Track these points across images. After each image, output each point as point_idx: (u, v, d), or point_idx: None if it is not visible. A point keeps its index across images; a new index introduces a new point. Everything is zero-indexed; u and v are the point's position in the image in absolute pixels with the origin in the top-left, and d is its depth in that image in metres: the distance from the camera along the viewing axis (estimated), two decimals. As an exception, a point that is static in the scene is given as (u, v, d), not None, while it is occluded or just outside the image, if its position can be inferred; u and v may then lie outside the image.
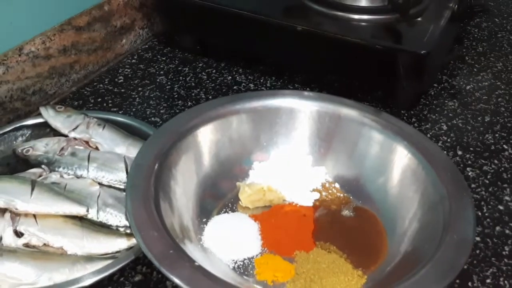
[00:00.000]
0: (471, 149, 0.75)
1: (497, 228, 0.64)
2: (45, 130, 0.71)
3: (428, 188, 0.59)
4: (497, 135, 0.78)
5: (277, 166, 0.69)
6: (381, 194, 0.64)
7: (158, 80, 0.88)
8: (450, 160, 0.63)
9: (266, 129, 0.70)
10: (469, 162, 0.73)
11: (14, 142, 0.70)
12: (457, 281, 0.57)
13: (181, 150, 0.63)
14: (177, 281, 0.47)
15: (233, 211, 0.64)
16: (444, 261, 0.50)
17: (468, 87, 0.87)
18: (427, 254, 0.53)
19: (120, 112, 0.80)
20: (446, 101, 0.84)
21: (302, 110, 0.70)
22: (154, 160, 0.60)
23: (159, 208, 0.55)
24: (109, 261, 0.55)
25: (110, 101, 0.83)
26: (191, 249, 0.55)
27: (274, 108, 0.70)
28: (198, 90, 0.86)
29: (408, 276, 0.50)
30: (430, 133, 0.77)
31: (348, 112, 0.69)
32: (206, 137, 0.66)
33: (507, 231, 0.64)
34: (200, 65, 0.92)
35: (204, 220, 0.62)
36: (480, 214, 0.65)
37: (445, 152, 0.73)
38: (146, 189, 0.56)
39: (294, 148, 0.70)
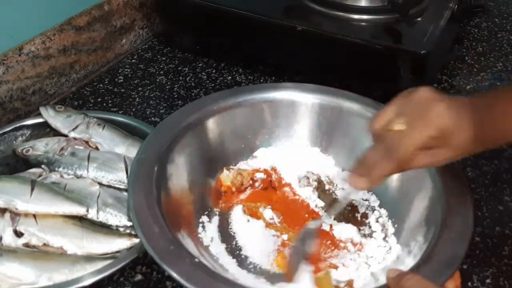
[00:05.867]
0: (471, 149, 0.75)
1: (497, 228, 0.64)
2: (45, 130, 0.71)
3: (428, 183, 0.59)
4: (497, 135, 0.78)
5: (279, 160, 0.69)
6: (382, 188, 0.64)
7: (158, 80, 0.88)
8: None
9: (268, 122, 0.70)
10: (469, 162, 0.73)
11: (14, 142, 0.70)
12: (457, 281, 0.57)
13: (183, 144, 0.63)
14: (177, 276, 0.47)
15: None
16: (442, 258, 0.50)
17: (468, 87, 0.87)
18: (425, 250, 0.53)
19: (120, 112, 0.80)
20: (446, 101, 0.84)
21: (303, 103, 0.70)
22: (155, 155, 0.60)
23: (160, 204, 0.55)
24: (109, 261, 0.55)
25: (110, 101, 0.83)
26: (191, 244, 0.55)
27: (276, 101, 0.70)
28: (198, 90, 0.86)
29: (405, 272, 0.50)
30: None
31: (350, 105, 0.69)
32: (208, 131, 0.66)
33: (507, 231, 0.64)
34: (200, 65, 0.92)
35: (206, 213, 0.63)
36: (480, 214, 0.65)
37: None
38: (148, 185, 0.56)
39: (296, 141, 0.70)
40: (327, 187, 0.68)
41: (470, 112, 0.49)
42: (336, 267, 0.57)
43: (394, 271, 0.48)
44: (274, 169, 0.68)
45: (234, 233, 0.62)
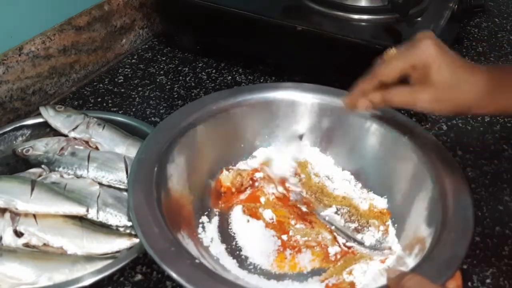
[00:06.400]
0: (471, 149, 0.75)
1: (497, 228, 0.64)
2: (45, 130, 0.71)
3: (428, 184, 0.59)
4: (497, 135, 0.78)
5: (277, 160, 0.69)
6: (382, 189, 0.65)
7: (158, 80, 0.88)
8: (449, 155, 0.62)
9: (268, 122, 0.70)
10: (469, 162, 0.73)
11: (14, 142, 0.70)
12: (457, 281, 0.57)
13: (183, 144, 0.63)
14: (177, 277, 0.47)
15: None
16: (442, 258, 0.50)
17: (468, 87, 0.87)
18: (425, 250, 0.53)
19: (120, 112, 0.80)
20: (446, 101, 0.84)
21: (303, 103, 0.70)
22: (155, 155, 0.60)
23: (160, 204, 0.55)
24: (109, 261, 0.55)
25: (110, 101, 0.83)
26: (191, 245, 0.55)
27: (276, 101, 0.70)
28: (198, 90, 0.86)
29: (406, 272, 0.50)
30: (430, 133, 0.77)
31: None
32: (208, 131, 0.66)
33: (507, 231, 0.64)
34: (200, 65, 0.92)
35: (206, 213, 0.63)
36: (480, 214, 0.65)
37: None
38: (148, 185, 0.56)
39: (296, 141, 0.70)
40: (327, 187, 0.68)
41: (471, 68, 0.53)
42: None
43: (394, 271, 0.48)
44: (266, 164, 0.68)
45: (234, 233, 0.62)
